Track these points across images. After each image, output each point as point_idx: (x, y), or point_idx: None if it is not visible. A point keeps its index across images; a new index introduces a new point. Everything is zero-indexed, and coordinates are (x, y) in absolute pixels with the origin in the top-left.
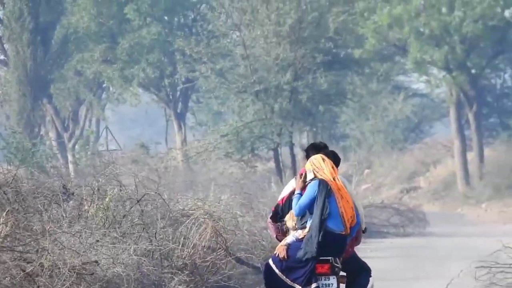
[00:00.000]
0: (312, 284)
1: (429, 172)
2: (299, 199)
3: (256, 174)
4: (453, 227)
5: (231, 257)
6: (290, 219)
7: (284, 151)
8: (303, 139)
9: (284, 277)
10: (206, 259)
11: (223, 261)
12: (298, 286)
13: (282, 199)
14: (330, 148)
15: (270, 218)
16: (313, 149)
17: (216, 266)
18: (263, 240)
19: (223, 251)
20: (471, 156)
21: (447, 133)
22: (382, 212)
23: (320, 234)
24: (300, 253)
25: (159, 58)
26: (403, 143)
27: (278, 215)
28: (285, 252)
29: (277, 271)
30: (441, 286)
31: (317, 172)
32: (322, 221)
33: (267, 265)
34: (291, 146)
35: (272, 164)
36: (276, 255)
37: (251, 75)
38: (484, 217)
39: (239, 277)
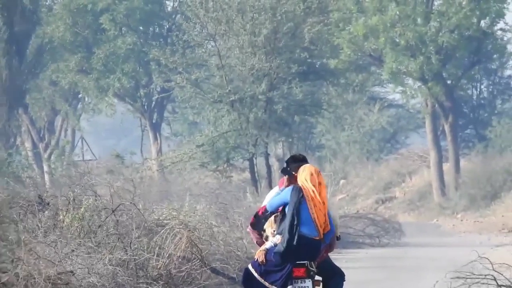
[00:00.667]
0: (288, 287)
1: (405, 182)
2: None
3: (231, 184)
4: (429, 237)
5: (206, 267)
6: (269, 227)
7: (260, 162)
8: (279, 150)
9: (263, 280)
10: (181, 269)
11: (198, 271)
12: None
13: (261, 209)
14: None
15: (251, 225)
16: (292, 161)
17: (191, 276)
18: (238, 251)
19: (198, 261)
20: (447, 167)
21: (422, 144)
22: (358, 222)
23: (291, 237)
24: (277, 258)
25: (135, 68)
26: (378, 154)
27: (260, 223)
28: (263, 256)
29: (256, 275)
30: None
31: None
32: (292, 225)
33: (247, 269)
34: (267, 157)
35: (247, 174)
36: (256, 260)
37: (227, 85)
38: (459, 227)
39: None
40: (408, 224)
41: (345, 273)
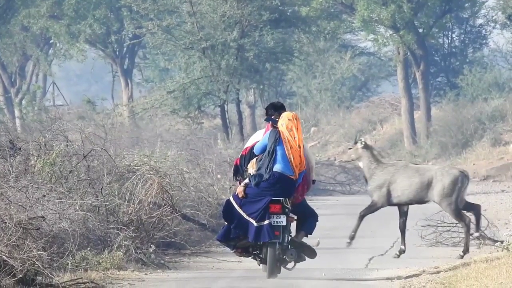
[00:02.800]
0: (265, 221)
1: (376, 130)
2: None
3: (202, 131)
4: None
5: (177, 213)
6: (251, 167)
7: (231, 108)
8: (250, 96)
9: (242, 211)
10: (152, 215)
11: (169, 218)
12: (253, 220)
13: (246, 150)
14: None
15: (234, 167)
16: (271, 108)
17: (162, 222)
18: (209, 197)
19: (169, 207)
20: (418, 114)
21: (394, 92)
22: (329, 169)
23: (266, 171)
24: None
25: (106, 14)
26: (350, 101)
27: (242, 166)
28: (243, 191)
29: (236, 206)
30: (386, 245)
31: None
32: (269, 161)
33: (228, 201)
34: (238, 103)
35: (218, 121)
36: (236, 194)
37: (198, 32)
38: None
39: (185, 234)
40: None
41: None
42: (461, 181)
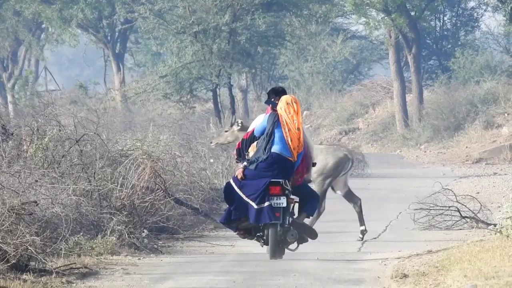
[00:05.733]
0: (265, 203)
1: (368, 113)
2: None
3: (194, 115)
4: (392, 168)
5: (169, 198)
6: (252, 150)
7: (223, 92)
8: (242, 80)
9: (241, 193)
10: (145, 200)
11: (161, 202)
12: (252, 202)
13: (247, 134)
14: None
15: (236, 150)
16: (273, 92)
17: (155, 207)
18: (202, 181)
19: (162, 191)
20: (410, 98)
21: (386, 75)
22: None
23: (264, 152)
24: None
25: None
26: (342, 85)
27: (244, 149)
28: (242, 173)
29: (236, 188)
30: (379, 228)
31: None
32: (267, 143)
33: (228, 183)
34: (230, 87)
35: (210, 105)
36: (236, 176)
37: (190, 16)
38: (423, 159)
39: (177, 218)
40: (372, 155)
41: None
42: (343, 164)
